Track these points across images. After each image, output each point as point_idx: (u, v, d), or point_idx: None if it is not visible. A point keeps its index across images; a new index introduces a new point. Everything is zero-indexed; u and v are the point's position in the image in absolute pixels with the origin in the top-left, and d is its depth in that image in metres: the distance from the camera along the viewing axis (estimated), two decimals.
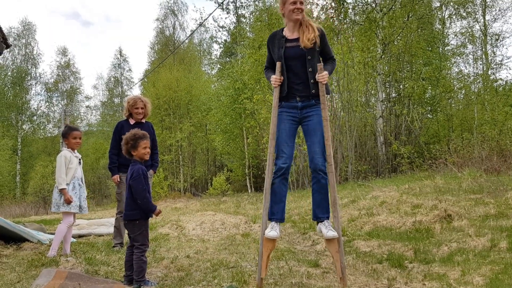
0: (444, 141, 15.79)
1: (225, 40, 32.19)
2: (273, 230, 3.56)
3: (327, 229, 3.52)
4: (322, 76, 3.56)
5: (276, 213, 3.66)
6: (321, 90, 3.59)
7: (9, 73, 35.43)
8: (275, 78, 3.65)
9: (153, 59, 38.52)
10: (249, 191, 22.79)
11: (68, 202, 4.82)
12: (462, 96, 22.51)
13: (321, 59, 3.73)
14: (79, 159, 5.10)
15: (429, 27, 21.05)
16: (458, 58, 24.35)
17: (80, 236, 7.01)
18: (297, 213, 8.41)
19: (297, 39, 3.66)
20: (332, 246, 3.50)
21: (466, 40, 24.35)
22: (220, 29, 31.78)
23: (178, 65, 32.39)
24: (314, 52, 3.63)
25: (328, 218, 3.62)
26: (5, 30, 7.09)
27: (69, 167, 4.92)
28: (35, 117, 36.48)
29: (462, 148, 12.13)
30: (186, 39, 36.17)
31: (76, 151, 5.09)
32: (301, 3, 3.65)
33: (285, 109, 3.70)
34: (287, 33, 3.74)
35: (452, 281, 3.42)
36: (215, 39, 33.41)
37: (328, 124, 3.58)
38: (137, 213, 3.58)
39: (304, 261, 4.61)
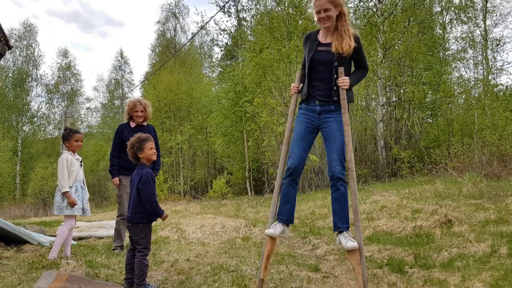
0: (444, 146, 15.81)
1: (226, 43, 32.24)
2: (272, 228, 3.53)
3: (346, 240, 3.42)
4: (342, 81, 3.53)
5: (282, 214, 3.61)
6: (342, 94, 3.56)
7: (10, 75, 35.51)
8: (293, 86, 3.73)
9: (154, 61, 38.60)
10: (249, 194, 22.78)
11: (72, 204, 4.82)
12: (462, 101, 22.53)
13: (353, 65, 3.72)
14: (80, 162, 5.10)
15: (430, 32, 21.11)
16: (459, 63, 24.38)
17: (80, 238, 7.01)
18: (297, 217, 8.40)
19: (329, 44, 3.62)
20: (353, 258, 3.38)
21: (467, 45, 24.39)
22: (221, 32, 31.85)
23: (179, 68, 32.42)
24: (344, 59, 3.58)
25: (347, 228, 3.52)
26: (6, 32, 7.13)
27: (70, 170, 4.92)
28: (35, 119, 36.55)
29: (463, 153, 12.15)
30: (188, 42, 36.25)
31: (76, 153, 5.10)
32: (326, 10, 3.56)
33: (303, 111, 3.69)
34: (321, 37, 3.72)
35: (452, 287, 3.43)
36: (216, 42, 33.47)
37: (349, 129, 3.52)
38: (142, 216, 3.59)
39: (304, 265, 4.61)
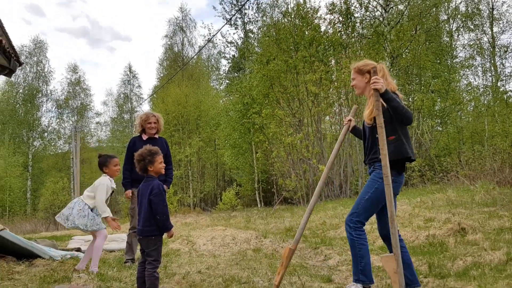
0: (455, 154, 15.70)
1: (233, 56, 32.42)
2: None
3: None
4: (374, 80, 3.29)
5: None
6: (375, 95, 3.32)
7: (21, 91, 35.96)
8: (346, 119, 3.92)
9: (162, 75, 38.88)
10: (259, 205, 22.70)
11: (115, 228, 4.79)
12: (472, 108, 22.41)
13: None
14: (112, 190, 4.99)
15: (437, 40, 21.10)
16: (467, 70, 24.30)
17: None
18: (308, 228, 8.35)
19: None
20: (388, 265, 3.26)
21: (475, 52, 24.33)
22: (228, 45, 32.05)
23: (186, 81, 32.62)
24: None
25: (355, 281, 3.47)
26: (17, 48, 7.24)
27: (105, 197, 4.85)
28: (46, 134, 36.90)
29: (474, 160, 12.03)
30: (195, 55, 36.51)
31: (112, 180, 4.97)
32: (353, 79, 3.70)
33: None
34: None
35: None
36: (223, 55, 33.66)
37: (383, 132, 3.29)
38: (154, 229, 3.58)
39: (316, 276, 4.56)
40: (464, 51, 24.35)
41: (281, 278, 3.61)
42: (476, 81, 25.16)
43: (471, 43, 24.12)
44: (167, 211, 3.60)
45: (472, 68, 24.76)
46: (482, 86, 24.32)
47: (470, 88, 23.19)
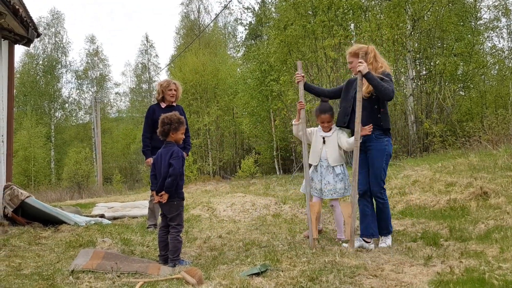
0: (478, 118, 15.37)
1: (250, 22, 31.90)
2: (357, 241, 4.19)
3: (381, 242, 4.22)
4: (358, 63, 4.12)
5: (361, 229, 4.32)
6: (359, 75, 4.11)
7: (41, 62, 36.29)
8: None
9: (179, 44, 38.65)
10: (278, 173, 22.78)
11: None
12: (496, 71, 21.79)
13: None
14: (323, 138, 4.53)
15: (461, 1, 20.31)
16: (492, 32, 23.48)
17: (114, 218, 7.18)
18: None
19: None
20: (345, 210, 4.16)
21: (500, 13, 23.45)
22: (245, 11, 31.48)
23: (203, 49, 32.37)
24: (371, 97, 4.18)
25: (389, 233, 4.27)
26: (35, 20, 7.26)
27: (314, 146, 4.51)
28: (66, 105, 37.42)
29: (497, 124, 11.75)
30: (211, 22, 36.09)
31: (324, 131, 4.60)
32: (350, 62, 4.27)
33: None
34: None
35: (490, 258, 3.34)
36: (240, 21, 33.15)
37: (360, 105, 4.09)
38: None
39: (336, 240, 4.59)
40: (489, 12, 23.46)
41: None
42: (500, 43, 24.40)
43: (496, 4, 23.23)
44: (179, 179, 3.66)
45: (497, 30, 23.95)
46: (507, 48, 23.57)
47: (494, 50, 22.49)
